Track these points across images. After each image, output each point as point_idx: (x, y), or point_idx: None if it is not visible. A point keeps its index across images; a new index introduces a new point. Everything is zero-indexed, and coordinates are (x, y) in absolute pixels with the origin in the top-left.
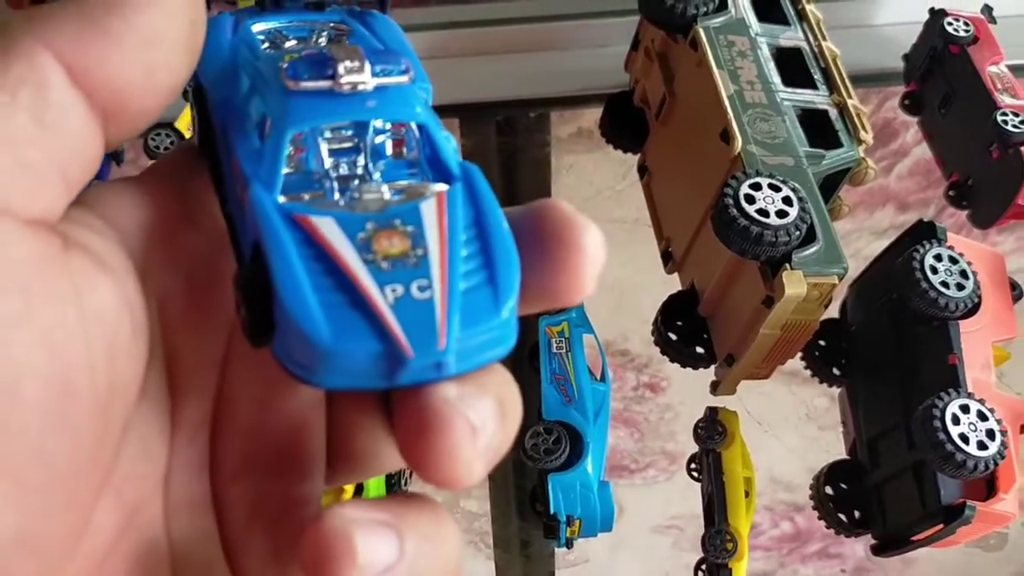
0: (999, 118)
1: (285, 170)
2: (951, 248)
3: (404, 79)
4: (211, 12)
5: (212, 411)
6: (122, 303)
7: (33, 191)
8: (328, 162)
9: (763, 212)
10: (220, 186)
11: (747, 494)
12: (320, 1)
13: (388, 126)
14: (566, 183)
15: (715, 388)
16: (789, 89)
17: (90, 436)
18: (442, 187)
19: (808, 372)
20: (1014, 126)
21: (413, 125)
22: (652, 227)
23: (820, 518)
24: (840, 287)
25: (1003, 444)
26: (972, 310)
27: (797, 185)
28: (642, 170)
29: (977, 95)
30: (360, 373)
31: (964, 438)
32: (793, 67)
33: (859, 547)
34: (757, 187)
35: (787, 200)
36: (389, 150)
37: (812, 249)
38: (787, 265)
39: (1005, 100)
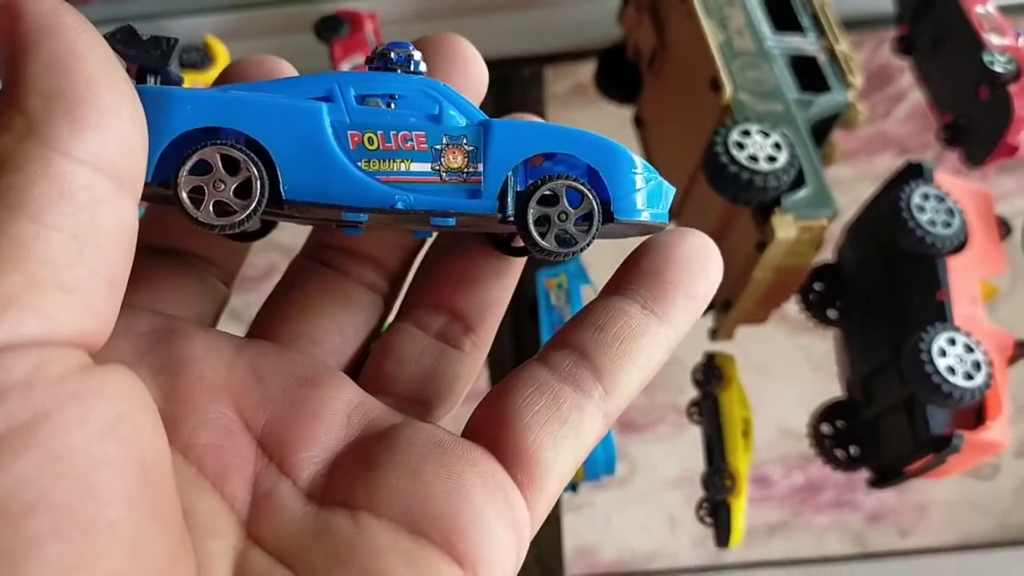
0: (986, 58)
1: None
2: (938, 187)
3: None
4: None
5: (261, 457)
6: (145, 390)
7: (80, 316)
8: None
9: (753, 158)
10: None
11: (746, 434)
12: None
13: None
14: None
15: (714, 334)
16: (778, 36)
17: (176, 519)
18: None
19: (807, 318)
20: (1001, 66)
21: None
22: None
23: (817, 455)
24: (834, 231)
25: (989, 375)
26: (959, 247)
27: (787, 131)
28: (638, 122)
29: (965, 36)
30: (655, 201)
31: (951, 370)
32: (782, 13)
33: (872, 496)
34: (747, 133)
35: (777, 145)
36: None
37: (802, 193)
38: (777, 209)
39: (992, 40)
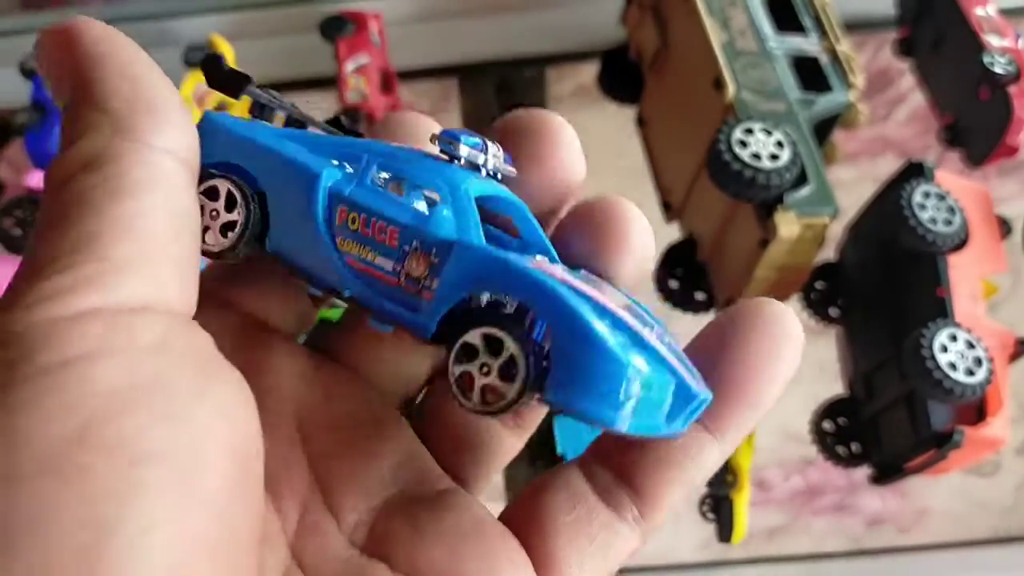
0: (986, 60)
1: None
2: (939, 186)
3: (512, 171)
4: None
5: (312, 483)
6: (248, 388)
7: (184, 290)
8: None
9: (756, 156)
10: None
11: None
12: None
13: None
14: None
15: None
16: (780, 36)
17: (260, 508)
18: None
19: (808, 316)
20: (1001, 67)
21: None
22: (651, 179)
23: (819, 452)
24: (835, 230)
25: (990, 371)
26: (960, 245)
27: (789, 129)
28: (640, 122)
29: (965, 38)
30: (650, 412)
31: (952, 365)
32: (784, 14)
33: (873, 499)
34: (750, 132)
35: (779, 144)
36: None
37: (804, 191)
38: (779, 207)
39: (992, 42)
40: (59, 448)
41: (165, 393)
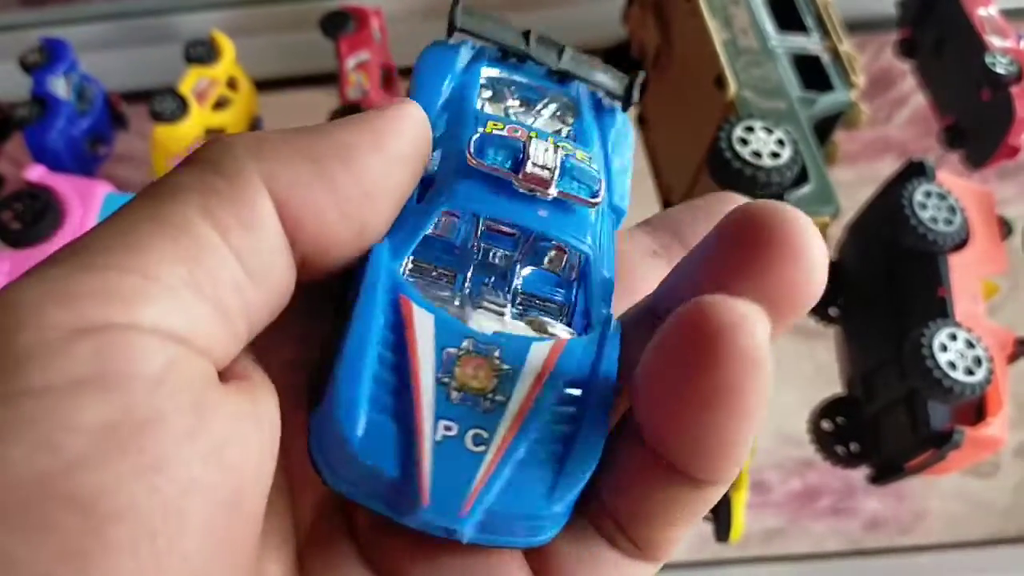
0: (988, 60)
1: (431, 231)
2: (940, 185)
3: (589, 202)
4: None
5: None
6: (275, 415)
7: (219, 336)
8: (477, 242)
9: (757, 154)
10: None
11: None
12: (565, 72)
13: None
14: None
15: None
16: (782, 35)
17: (250, 555)
18: (566, 333)
19: (807, 316)
20: (1003, 67)
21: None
22: (652, 178)
23: (817, 451)
24: (834, 230)
25: (989, 371)
26: (960, 244)
27: (789, 128)
28: (641, 121)
29: (967, 38)
30: (373, 494)
31: (952, 365)
32: (786, 13)
33: (871, 502)
34: (751, 130)
35: (780, 142)
36: (547, 260)
37: (805, 190)
38: None
39: (994, 42)
40: (26, 494)
41: (155, 435)
